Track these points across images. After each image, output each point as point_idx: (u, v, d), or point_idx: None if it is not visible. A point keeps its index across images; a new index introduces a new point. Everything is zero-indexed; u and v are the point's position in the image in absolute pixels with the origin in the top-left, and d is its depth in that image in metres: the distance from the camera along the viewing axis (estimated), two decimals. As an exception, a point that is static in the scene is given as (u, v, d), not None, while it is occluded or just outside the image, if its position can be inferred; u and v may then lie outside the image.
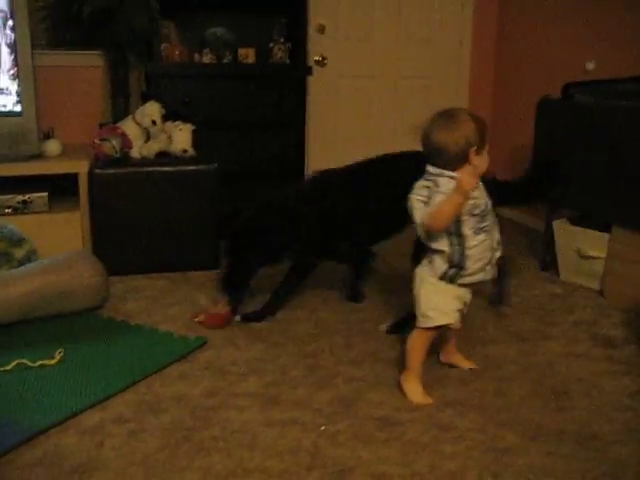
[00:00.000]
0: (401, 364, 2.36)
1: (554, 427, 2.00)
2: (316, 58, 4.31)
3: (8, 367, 2.26)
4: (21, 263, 2.84)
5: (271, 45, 4.04)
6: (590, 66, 3.73)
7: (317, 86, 4.29)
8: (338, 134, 4.47)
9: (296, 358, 2.42)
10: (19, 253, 2.86)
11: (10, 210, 3.23)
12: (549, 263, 3.43)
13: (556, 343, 2.60)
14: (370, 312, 2.87)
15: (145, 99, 3.66)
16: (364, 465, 1.80)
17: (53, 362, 2.31)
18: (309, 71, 4.08)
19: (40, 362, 2.29)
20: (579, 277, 3.24)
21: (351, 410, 2.08)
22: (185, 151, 3.39)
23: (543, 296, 3.11)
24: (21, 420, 1.95)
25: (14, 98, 3.25)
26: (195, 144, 3.41)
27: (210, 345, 2.51)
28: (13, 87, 3.24)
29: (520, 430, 1.98)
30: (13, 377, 2.22)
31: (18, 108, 3.26)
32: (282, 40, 4.06)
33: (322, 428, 1.97)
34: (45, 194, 3.30)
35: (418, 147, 2.08)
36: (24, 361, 2.29)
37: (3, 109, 3.25)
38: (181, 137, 3.38)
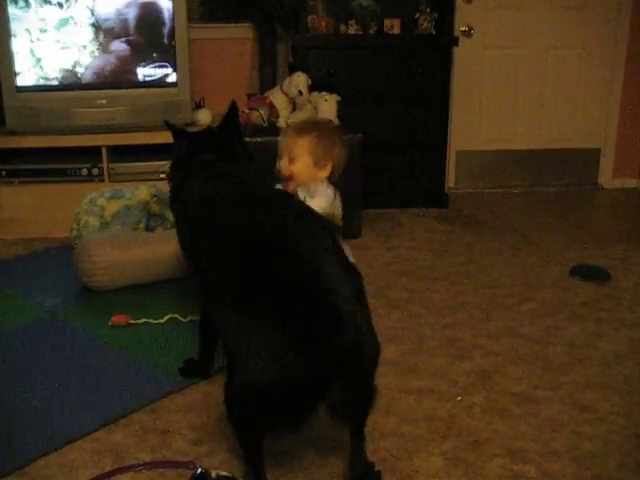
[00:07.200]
0: (541, 342, 2.32)
1: None
2: (462, 28, 4.21)
3: (162, 320, 2.43)
4: (173, 225, 3.01)
5: (417, 15, 3.98)
6: None
7: (463, 57, 4.19)
8: (483, 107, 4.36)
9: (434, 329, 2.44)
10: (172, 216, 3.04)
11: (164, 175, 3.43)
12: None
13: None
14: (510, 288, 2.82)
15: (292, 70, 3.74)
16: (499, 438, 1.80)
17: (202, 318, 2.45)
18: (455, 42, 3.99)
19: (190, 317, 2.43)
20: None
21: (488, 383, 2.07)
22: (330, 121, 3.43)
23: (699, 281, 2.92)
24: (174, 370, 2.10)
25: (170, 70, 3.44)
26: (340, 115, 3.46)
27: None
28: (170, 60, 3.43)
29: (668, 418, 1.90)
30: (166, 329, 2.39)
31: (174, 79, 3.45)
32: (428, 10, 3.99)
33: (458, 399, 1.98)
34: (196, 161, 3.48)
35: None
36: (176, 316, 2.45)
37: (161, 80, 3.45)
38: (326, 108, 3.43)
